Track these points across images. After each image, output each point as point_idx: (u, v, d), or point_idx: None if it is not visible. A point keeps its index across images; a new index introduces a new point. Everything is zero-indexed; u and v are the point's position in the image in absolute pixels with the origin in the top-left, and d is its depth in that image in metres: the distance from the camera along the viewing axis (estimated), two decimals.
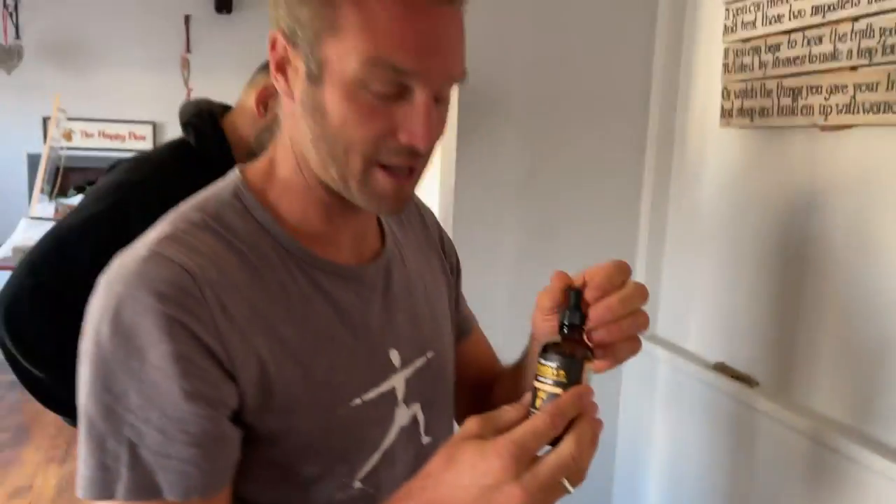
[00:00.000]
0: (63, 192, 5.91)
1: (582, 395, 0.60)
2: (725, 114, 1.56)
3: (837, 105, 1.28)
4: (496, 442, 0.56)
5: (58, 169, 5.21)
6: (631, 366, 1.87)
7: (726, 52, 1.55)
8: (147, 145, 6.78)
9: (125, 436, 0.61)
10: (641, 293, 0.67)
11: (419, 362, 0.81)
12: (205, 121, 1.45)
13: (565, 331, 0.66)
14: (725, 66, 1.56)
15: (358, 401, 0.73)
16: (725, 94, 1.55)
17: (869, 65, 1.22)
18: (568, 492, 0.58)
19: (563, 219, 1.84)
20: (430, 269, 0.91)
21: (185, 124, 1.45)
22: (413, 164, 0.69)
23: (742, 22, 1.50)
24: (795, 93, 1.37)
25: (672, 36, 1.76)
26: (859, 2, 1.23)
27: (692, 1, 1.73)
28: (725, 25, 1.55)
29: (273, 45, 0.68)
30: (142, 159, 1.46)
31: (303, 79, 0.67)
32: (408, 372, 0.79)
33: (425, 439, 0.82)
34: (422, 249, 0.91)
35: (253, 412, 0.66)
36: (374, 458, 0.75)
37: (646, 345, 1.80)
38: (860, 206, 1.28)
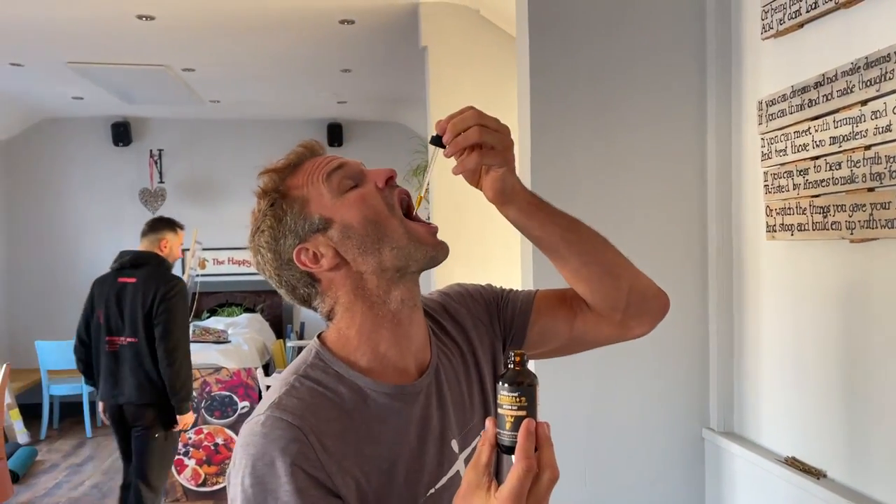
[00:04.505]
0: (198, 316, 6.54)
1: (529, 431, 0.78)
2: (770, 229, 1.75)
3: (860, 221, 1.46)
4: (498, 500, 0.77)
5: (194, 295, 5.82)
6: (712, 460, 1.99)
7: (765, 175, 1.76)
8: None
9: None
10: (470, 116, 0.92)
11: (475, 442, 1.03)
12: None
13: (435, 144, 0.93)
14: (766, 187, 1.76)
15: (433, 490, 0.96)
16: (768, 211, 1.75)
17: (881, 186, 1.41)
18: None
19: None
20: (461, 349, 1.10)
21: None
22: (409, 206, 0.98)
23: (775, 150, 1.72)
24: (825, 210, 1.55)
25: (721, 160, 1.99)
26: (867, 133, 1.44)
27: (736, 131, 1.96)
28: (762, 152, 1.77)
29: (304, 264, 0.95)
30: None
31: (324, 245, 0.94)
32: (466, 453, 1.02)
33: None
34: (458, 332, 1.11)
35: None
36: None
37: (723, 441, 1.94)
38: (889, 307, 1.44)
